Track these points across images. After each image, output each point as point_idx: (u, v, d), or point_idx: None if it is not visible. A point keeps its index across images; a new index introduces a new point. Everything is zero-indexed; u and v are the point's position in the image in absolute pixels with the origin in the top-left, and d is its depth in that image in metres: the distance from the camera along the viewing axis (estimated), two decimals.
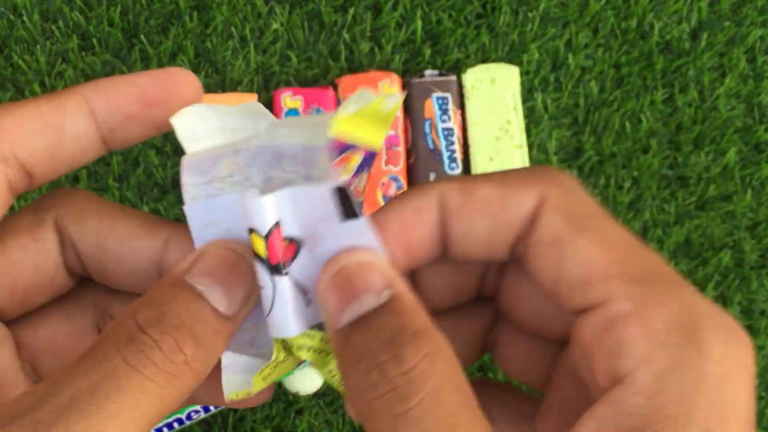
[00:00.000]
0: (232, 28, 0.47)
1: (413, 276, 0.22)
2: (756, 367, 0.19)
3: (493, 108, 0.47)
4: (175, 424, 0.42)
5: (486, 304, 0.23)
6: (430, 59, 0.48)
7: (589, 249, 0.19)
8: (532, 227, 0.20)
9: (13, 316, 0.22)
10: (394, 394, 0.18)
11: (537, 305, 0.21)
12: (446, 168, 0.46)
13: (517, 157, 0.47)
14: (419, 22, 0.48)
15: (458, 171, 0.46)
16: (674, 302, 0.18)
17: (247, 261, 0.20)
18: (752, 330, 0.49)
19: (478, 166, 0.46)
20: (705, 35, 0.50)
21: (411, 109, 0.46)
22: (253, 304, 0.20)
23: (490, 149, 0.47)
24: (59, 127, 0.21)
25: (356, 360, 0.18)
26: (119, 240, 0.21)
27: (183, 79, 0.21)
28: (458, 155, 0.46)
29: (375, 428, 0.18)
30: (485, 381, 0.23)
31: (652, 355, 0.17)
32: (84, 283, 0.23)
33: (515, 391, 0.23)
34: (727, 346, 0.18)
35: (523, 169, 0.21)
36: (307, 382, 0.45)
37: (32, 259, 0.22)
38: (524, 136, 0.47)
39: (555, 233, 0.19)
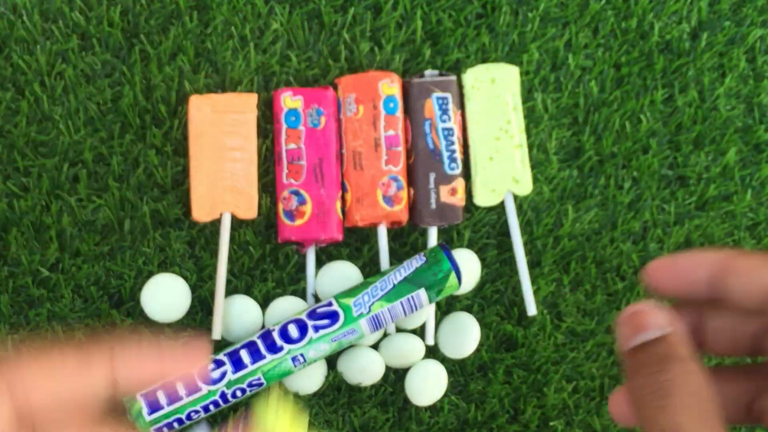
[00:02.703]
0: (232, 28, 0.47)
1: (701, 321, 0.31)
2: None
3: (492, 108, 0.47)
4: (175, 424, 0.42)
5: (761, 371, 0.31)
6: (430, 59, 0.48)
7: None
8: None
9: None
10: (658, 392, 0.27)
11: None
12: (446, 168, 0.46)
13: (517, 156, 0.47)
14: (419, 22, 0.48)
15: (458, 171, 0.46)
16: None
17: None
18: None
19: (478, 165, 0.46)
20: (705, 35, 0.50)
21: (411, 109, 0.46)
22: None
23: (490, 149, 0.47)
24: (81, 386, 0.24)
25: (638, 368, 0.29)
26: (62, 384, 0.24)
27: (197, 360, 0.25)
28: (458, 155, 0.46)
29: (645, 416, 0.28)
30: None
31: None
32: None
33: None
34: None
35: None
36: (307, 382, 0.45)
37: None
38: (524, 136, 0.47)
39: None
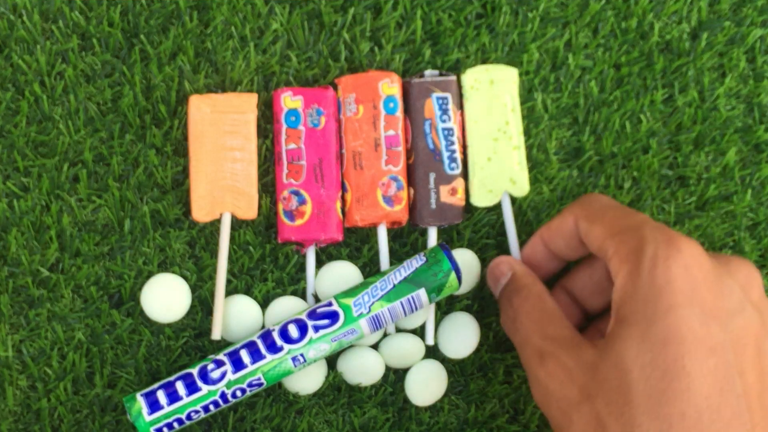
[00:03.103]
0: (232, 28, 0.47)
1: (571, 294, 0.45)
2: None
3: (491, 109, 0.47)
4: (175, 424, 0.42)
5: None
6: (430, 59, 0.48)
7: (596, 229, 0.39)
8: (578, 231, 0.42)
9: None
10: (512, 317, 0.42)
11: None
12: (446, 168, 0.46)
13: (515, 158, 0.47)
14: (419, 22, 0.48)
15: (458, 171, 0.46)
16: (633, 238, 0.36)
17: None
18: None
19: (476, 166, 0.46)
20: (705, 35, 0.50)
21: (411, 109, 0.46)
22: None
23: (488, 150, 0.47)
24: None
25: (501, 305, 0.43)
26: None
27: None
28: (458, 155, 0.46)
29: (512, 341, 0.42)
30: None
31: (621, 268, 0.36)
32: None
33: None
34: (659, 247, 0.35)
35: (572, 202, 0.43)
36: (307, 382, 0.45)
37: None
38: (522, 137, 0.47)
39: (584, 229, 0.40)
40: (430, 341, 0.46)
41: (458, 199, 0.46)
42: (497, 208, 0.48)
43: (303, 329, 0.42)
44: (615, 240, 0.37)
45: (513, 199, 0.47)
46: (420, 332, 0.47)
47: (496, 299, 0.44)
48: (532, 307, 0.40)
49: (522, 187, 0.47)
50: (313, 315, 0.43)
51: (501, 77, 0.47)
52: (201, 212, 0.45)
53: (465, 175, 0.47)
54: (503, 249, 0.47)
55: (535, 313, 0.40)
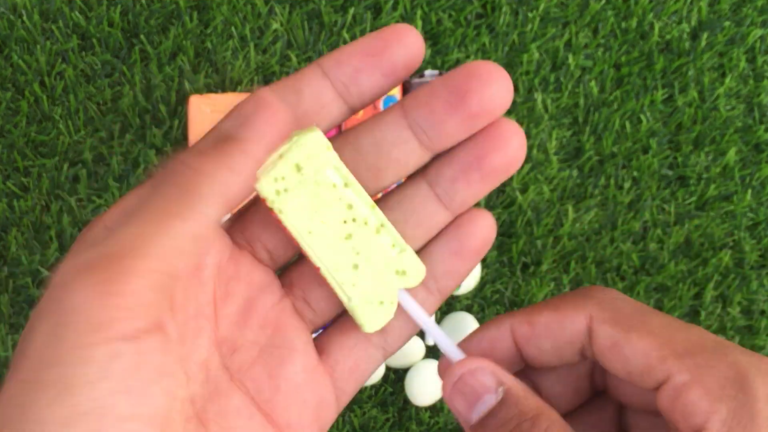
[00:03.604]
0: (232, 28, 0.47)
1: (536, 388, 0.28)
2: None
3: (317, 203, 0.21)
4: None
5: (607, 398, 0.28)
6: (430, 59, 0.48)
7: (639, 343, 0.24)
8: (591, 339, 0.25)
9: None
10: None
11: (631, 388, 0.27)
12: None
13: (385, 241, 0.28)
14: (419, 22, 0.48)
15: None
16: (721, 363, 0.24)
17: None
18: (752, 330, 0.49)
19: (345, 286, 0.35)
20: (705, 35, 0.50)
21: None
22: None
23: (348, 254, 0.28)
24: (299, 94, 0.23)
25: None
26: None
27: (402, 31, 0.23)
28: None
29: None
30: None
31: (714, 408, 0.23)
32: None
33: None
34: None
35: (572, 293, 0.26)
36: None
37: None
38: (378, 211, 0.31)
39: (610, 339, 0.25)
40: (430, 341, 0.46)
41: None
42: (498, 205, 0.48)
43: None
44: (687, 364, 0.24)
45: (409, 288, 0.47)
46: (420, 332, 0.47)
47: (465, 426, 0.26)
48: None
49: (416, 271, 0.29)
50: None
51: (304, 152, 0.27)
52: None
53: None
54: (503, 249, 0.47)
55: None
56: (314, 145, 0.26)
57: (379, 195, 0.26)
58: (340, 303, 0.25)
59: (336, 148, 0.24)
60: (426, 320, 0.27)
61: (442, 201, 0.25)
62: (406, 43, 0.23)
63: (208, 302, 0.23)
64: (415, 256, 0.28)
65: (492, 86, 0.23)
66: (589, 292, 0.26)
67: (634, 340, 0.24)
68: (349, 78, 0.23)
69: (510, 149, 0.24)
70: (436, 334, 0.27)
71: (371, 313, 0.29)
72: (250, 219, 0.24)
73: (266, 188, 0.26)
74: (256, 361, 0.23)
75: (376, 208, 0.28)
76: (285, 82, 0.23)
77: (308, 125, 0.23)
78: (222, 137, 0.22)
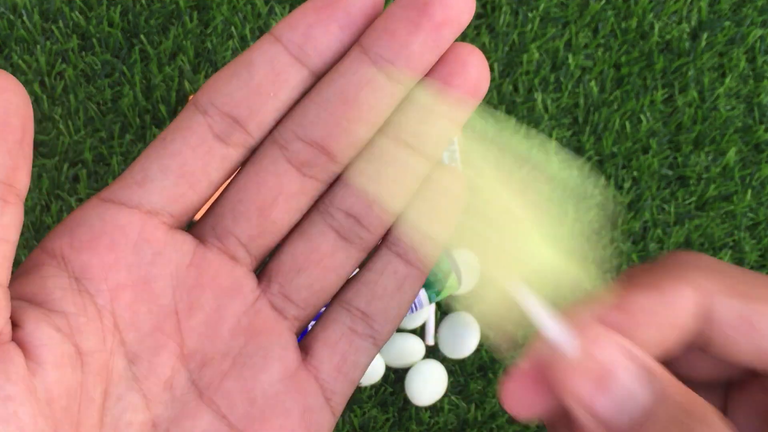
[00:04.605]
0: (232, 28, 0.47)
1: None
2: None
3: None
4: None
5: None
6: None
7: None
8: (709, 318, 0.19)
9: None
10: None
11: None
12: None
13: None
14: None
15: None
16: None
17: None
18: None
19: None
20: (705, 35, 0.50)
21: None
22: None
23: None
24: (250, 66, 0.21)
25: None
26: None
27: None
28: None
29: None
30: None
31: None
32: None
33: None
34: None
35: (659, 265, 0.20)
36: None
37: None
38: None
39: (736, 313, 0.19)
40: (430, 341, 0.46)
41: None
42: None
43: (303, 330, 0.42)
44: None
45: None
46: (420, 332, 0.47)
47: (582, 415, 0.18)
48: None
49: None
50: (315, 316, 0.43)
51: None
52: (201, 212, 0.45)
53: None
54: None
55: None
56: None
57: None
58: (324, 289, 0.23)
59: (300, 109, 0.21)
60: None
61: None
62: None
63: (166, 315, 0.20)
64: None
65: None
66: (686, 259, 0.20)
67: None
68: (303, 37, 0.20)
69: (472, 71, 0.21)
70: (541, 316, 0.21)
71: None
72: (220, 212, 0.22)
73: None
74: (228, 375, 0.21)
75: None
76: (236, 59, 0.21)
77: (265, 98, 0.21)
78: None
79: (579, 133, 0.49)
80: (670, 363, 0.20)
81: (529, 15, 0.49)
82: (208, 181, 0.21)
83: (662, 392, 0.18)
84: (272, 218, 0.21)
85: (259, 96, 0.21)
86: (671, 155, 0.50)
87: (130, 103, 0.46)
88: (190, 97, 0.45)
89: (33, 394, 0.17)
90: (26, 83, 0.46)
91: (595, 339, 0.18)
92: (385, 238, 0.23)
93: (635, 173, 0.49)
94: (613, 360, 0.18)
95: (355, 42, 0.21)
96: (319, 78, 0.21)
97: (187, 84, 0.46)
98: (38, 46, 0.46)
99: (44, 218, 0.45)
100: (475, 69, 0.21)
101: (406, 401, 0.47)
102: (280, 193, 0.21)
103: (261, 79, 0.21)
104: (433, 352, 0.47)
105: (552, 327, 0.19)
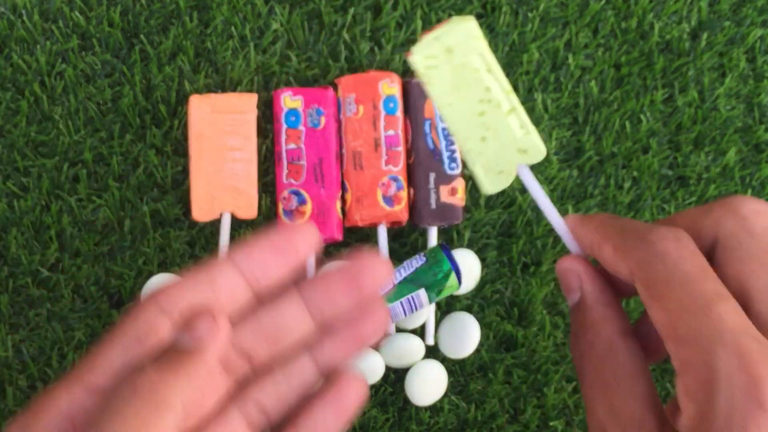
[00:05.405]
0: (232, 28, 0.47)
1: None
2: None
3: (460, 82, 0.35)
4: None
5: None
6: None
7: (657, 309, 0.29)
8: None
9: None
10: (579, 355, 0.31)
11: None
12: (446, 168, 0.46)
13: (514, 123, 0.35)
14: (419, 22, 0.48)
15: (458, 171, 0.46)
16: (702, 365, 0.26)
17: None
18: None
19: (472, 152, 0.36)
20: (705, 35, 0.50)
21: (411, 109, 0.46)
22: None
23: (478, 128, 0.35)
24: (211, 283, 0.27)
25: (571, 326, 0.32)
26: None
27: (302, 234, 0.28)
28: (458, 155, 0.46)
29: (571, 347, 0.32)
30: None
31: (688, 405, 0.26)
32: None
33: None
34: (735, 398, 0.25)
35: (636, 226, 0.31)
36: None
37: None
38: (513, 95, 0.35)
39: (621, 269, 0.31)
40: (430, 341, 0.46)
41: (458, 199, 0.46)
42: (497, 205, 0.48)
43: None
44: (680, 352, 0.26)
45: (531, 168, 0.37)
46: (420, 332, 0.47)
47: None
48: (599, 361, 0.30)
49: (536, 151, 0.35)
50: None
51: (458, 39, 0.34)
52: (201, 212, 0.45)
53: (465, 173, 0.47)
54: (503, 249, 0.47)
55: (604, 370, 0.29)
56: (466, 33, 0.33)
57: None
58: (294, 387, 0.29)
59: (239, 324, 0.28)
60: (540, 193, 0.33)
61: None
62: (301, 246, 0.28)
63: None
64: (538, 137, 0.34)
65: (377, 269, 0.28)
66: (733, 202, 0.30)
67: (650, 298, 0.28)
68: (259, 269, 0.28)
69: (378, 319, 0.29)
70: (548, 210, 0.33)
71: (492, 179, 0.36)
72: (250, 387, 0.28)
73: (419, 62, 0.33)
74: None
75: (513, 93, 0.34)
76: (196, 275, 0.27)
77: (217, 314, 0.26)
78: (176, 350, 0.25)
79: (579, 133, 0.49)
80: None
81: (529, 15, 0.49)
82: None
83: (579, 304, 0.32)
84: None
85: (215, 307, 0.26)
86: (671, 155, 0.50)
87: (130, 103, 0.46)
88: (190, 97, 0.45)
89: None
90: (26, 83, 0.46)
91: (564, 267, 0.33)
92: None
93: (635, 173, 0.49)
94: (567, 284, 0.32)
95: (294, 284, 0.28)
96: (258, 298, 0.28)
97: (187, 84, 0.46)
98: (38, 46, 0.46)
99: (44, 218, 0.45)
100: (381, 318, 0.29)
101: (406, 401, 0.47)
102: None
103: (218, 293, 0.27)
104: (433, 352, 0.47)
105: (556, 222, 0.33)
